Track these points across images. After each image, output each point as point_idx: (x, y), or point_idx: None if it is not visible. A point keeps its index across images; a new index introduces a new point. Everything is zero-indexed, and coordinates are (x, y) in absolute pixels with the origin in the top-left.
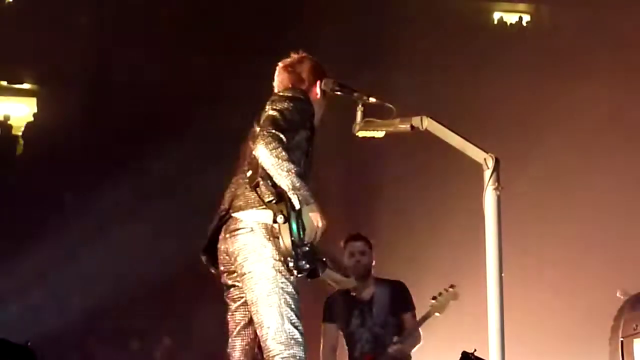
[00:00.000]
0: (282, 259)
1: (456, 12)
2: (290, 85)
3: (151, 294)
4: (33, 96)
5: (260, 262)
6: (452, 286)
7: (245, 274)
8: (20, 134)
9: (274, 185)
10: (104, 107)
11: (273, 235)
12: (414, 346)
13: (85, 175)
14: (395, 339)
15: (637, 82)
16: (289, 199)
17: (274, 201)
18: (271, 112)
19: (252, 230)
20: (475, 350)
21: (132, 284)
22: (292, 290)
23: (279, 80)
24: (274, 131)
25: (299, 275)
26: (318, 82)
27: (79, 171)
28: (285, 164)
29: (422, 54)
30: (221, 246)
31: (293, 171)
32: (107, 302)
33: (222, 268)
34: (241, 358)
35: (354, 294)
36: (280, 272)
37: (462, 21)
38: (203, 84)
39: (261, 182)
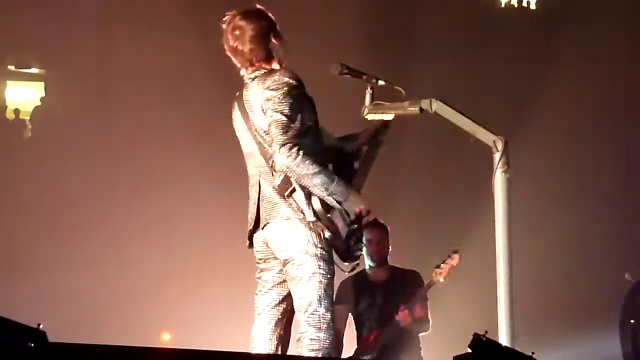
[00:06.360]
0: (330, 253)
1: None
2: (262, 64)
3: None
4: (41, 81)
5: (304, 249)
6: (455, 251)
7: (288, 260)
8: (28, 118)
9: (309, 194)
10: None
11: (317, 227)
12: (422, 331)
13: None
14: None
15: None
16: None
17: (313, 218)
18: (276, 117)
19: (294, 221)
20: (486, 332)
21: None
22: (330, 277)
23: (243, 50)
24: (289, 142)
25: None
26: (273, 38)
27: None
28: (311, 172)
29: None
30: (259, 236)
31: (321, 175)
32: None
33: (259, 256)
34: (266, 337)
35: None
36: (321, 259)
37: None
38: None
39: (295, 194)
